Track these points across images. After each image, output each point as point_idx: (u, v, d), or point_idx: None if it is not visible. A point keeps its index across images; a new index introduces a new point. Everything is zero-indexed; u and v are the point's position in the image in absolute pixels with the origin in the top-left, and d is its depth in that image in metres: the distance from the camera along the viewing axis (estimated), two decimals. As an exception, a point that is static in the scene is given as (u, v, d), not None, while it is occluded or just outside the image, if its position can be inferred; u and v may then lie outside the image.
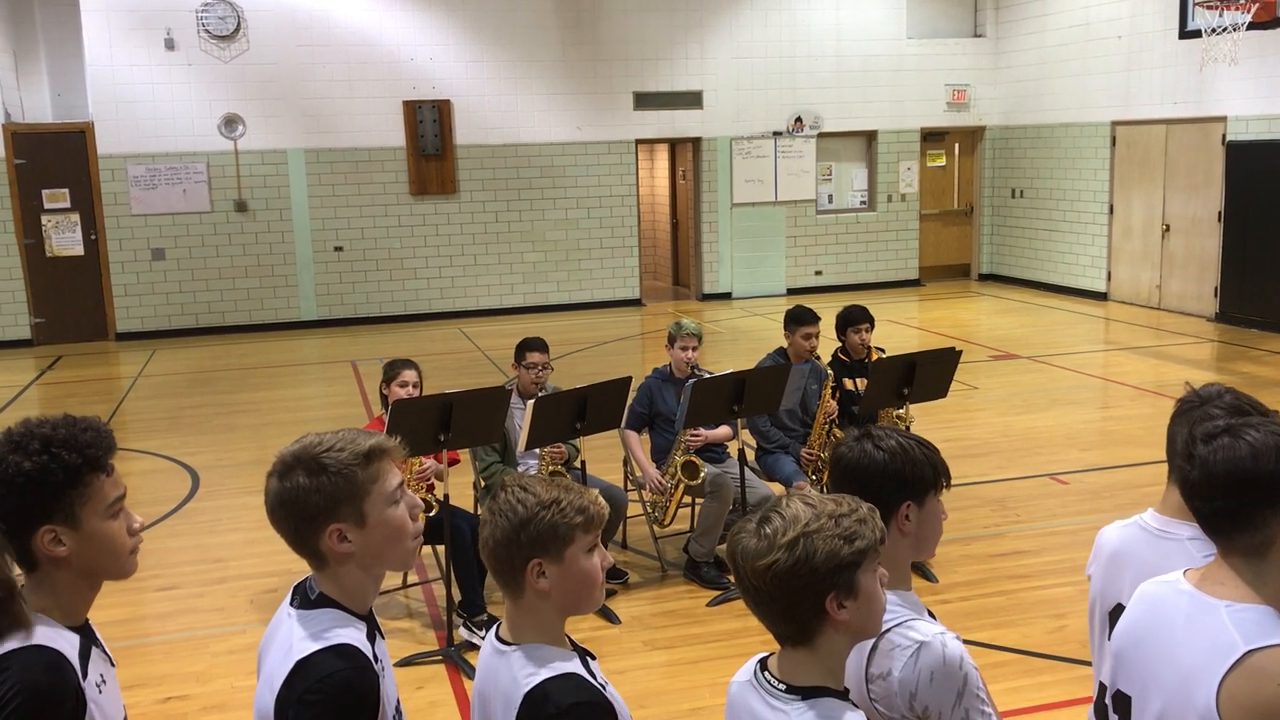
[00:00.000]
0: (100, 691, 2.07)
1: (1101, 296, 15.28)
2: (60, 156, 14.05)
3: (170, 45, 14.07)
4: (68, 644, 2.02)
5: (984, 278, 17.69)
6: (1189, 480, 2.06)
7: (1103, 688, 2.35)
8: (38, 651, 1.96)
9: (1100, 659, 2.53)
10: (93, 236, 14.23)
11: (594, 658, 2.19)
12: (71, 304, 14.32)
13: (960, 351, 6.53)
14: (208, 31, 14.18)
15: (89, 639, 2.12)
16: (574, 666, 2.08)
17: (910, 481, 2.29)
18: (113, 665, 2.21)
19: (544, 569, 2.07)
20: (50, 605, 2.05)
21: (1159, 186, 14.26)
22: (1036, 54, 16.21)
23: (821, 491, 2.12)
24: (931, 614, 2.31)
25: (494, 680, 2.12)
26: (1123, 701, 2.23)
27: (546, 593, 2.08)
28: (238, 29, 14.26)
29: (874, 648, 2.21)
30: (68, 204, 14.13)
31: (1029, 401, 9.84)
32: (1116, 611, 2.49)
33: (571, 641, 2.17)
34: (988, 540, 6.57)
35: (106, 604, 5.82)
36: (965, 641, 2.24)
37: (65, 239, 14.19)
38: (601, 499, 2.17)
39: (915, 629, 2.20)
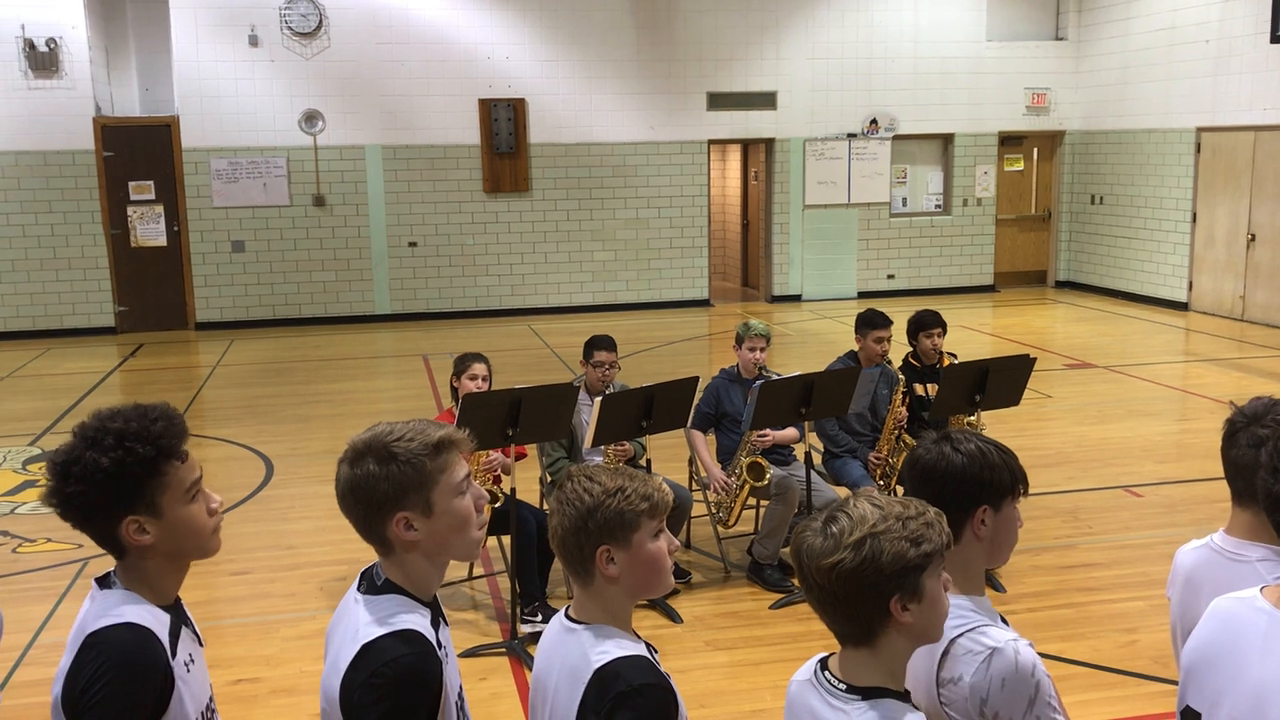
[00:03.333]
0: (189, 670, 2.11)
1: (1182, 306, 14.92)
2: (146, 149, 14.42)
3: (254, 42, 14.37)
4: (158, 623, 2.07)
5: (1061, 285, 17.38)
6: (1272, 494, 2.01)
7: None
8: (129, 629, 2.01)
9: None
10: (175, 228, 14.59)
11: (655, 650, 2.20)
12: (154, 293, 14.69)
13: (1035, 359, 6.42)
14: (290, 28, 14.46)
15: (179, 618, 2.16)
16: (644, 651, 2.11)
17: (987, 485, 2.27)
18: (201, 645, 2.25)
19: (612, 555, 2.11)
20: (141, 587, 2.10)
21: (1245, 195, 13.88)
22: (1119, 58, 15.88)
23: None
24: (1005, 620, 2.29)
25: (559, 656, 2.14)
26: (1191, 717, 2.18)
27: (615, 578, 2.12)
28: (319, 26, 14.52)
29: (946, 652, 2.18)
30: (152, 196, 14.50)
31: (1104, 412, 9.65)
32: None
33: (634, 633, 2.19)
34: (1058, 551, 6.46)
35: (182, 585, 5.98)
36: (1032, 652, 2.21)
37: (149, 230, 14.57)
38: (665, 485, 2.21)
39: (988, 635, 2.18)
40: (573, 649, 2.11)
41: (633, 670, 2.03)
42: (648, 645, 2.17)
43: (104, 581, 2.12)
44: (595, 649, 2.07)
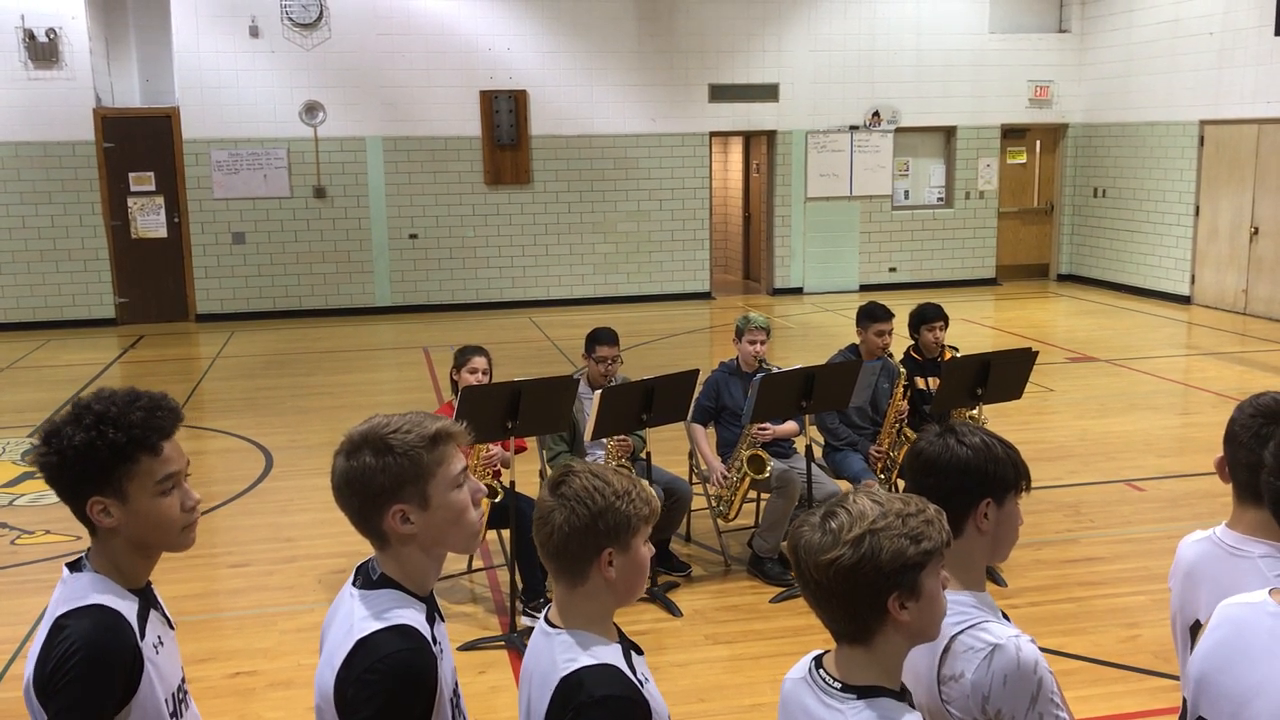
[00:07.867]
0: (157, 652, 2.14)
1: (1184, 300, 14.88)
2: (147, 140, 14.39)
3: (254, 32, 14.33)
4: (126, 605, 2.10)
5: (1063, 278, 17.34)
6: (1275, 490, 1.99)
7: (1186, 705, 2.28)
8: (98, 611, 2.04)
9: (1185, 674, 2.46)
10: (176, 219, 14.56)
11: (640, 653, 2.17)
12: (154, 285, 14.66)
13: (1036, 352, 6.40)
14: (291, 19, 14.42)
15: (148, 601, 2.19)
16: (614, 658, 2.06)
17: (991, 479, 2.24)
18: (171, 628, 2.27)
19: (613, 558, 2.08)
20: (110, 568, 2.13)
21: (1248, 188, 13.84)
22: (1123, 50, 15.82)
23: (890, 491, 2.08)
24: (1006, 616, 2.26)
25: (537, 660, 2.12)
26: None
27: (612, 581, 2.09)
28: (320, 17, 14.47)
29: (947, 649, 2.16)
30: (153, 187, 14.47)
31: (1105, 405, 9.62)
32: (1196, 628, 2.43)
33: (621, 634, 2.15)
34: (1060, 545, 6.44)
35: (181, 577, 5.98)
36: (1032, 648, 2.18)
37: (150, 221, 14.54)
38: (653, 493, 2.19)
39: (989, 631, 2.15)
40: (545, 655, 2.08)
41: (596, 680, 1.99)
42: (632, 648, 2.13)
43: (75, 566, 2.15)
44: (564, 655, 2.04)
